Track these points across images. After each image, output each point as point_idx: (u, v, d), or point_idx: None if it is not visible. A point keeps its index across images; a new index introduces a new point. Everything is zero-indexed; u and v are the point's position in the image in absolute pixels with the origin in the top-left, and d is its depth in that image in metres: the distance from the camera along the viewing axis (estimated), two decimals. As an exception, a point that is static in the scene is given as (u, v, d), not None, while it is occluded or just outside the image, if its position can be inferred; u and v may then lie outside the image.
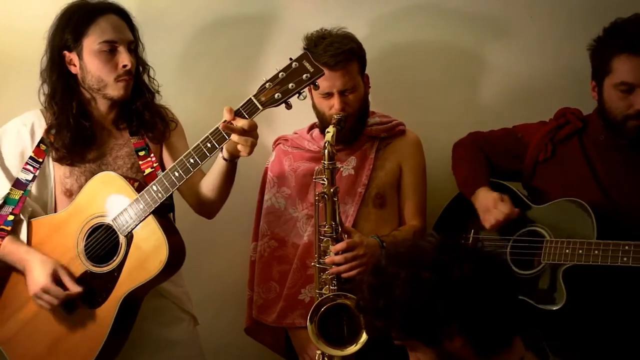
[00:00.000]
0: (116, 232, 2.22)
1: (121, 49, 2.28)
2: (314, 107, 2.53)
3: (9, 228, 2.26)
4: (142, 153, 2.37)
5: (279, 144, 2.67)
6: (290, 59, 2.06)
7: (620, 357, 2.23)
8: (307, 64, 2.05)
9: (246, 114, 2.08)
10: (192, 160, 2.15)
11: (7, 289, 2.31)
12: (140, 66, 2.39)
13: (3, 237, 2.25)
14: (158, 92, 2.45)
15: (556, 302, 2.20)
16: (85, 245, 2.24)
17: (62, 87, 2.31)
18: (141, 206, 2.18)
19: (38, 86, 2.35)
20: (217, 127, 2.10)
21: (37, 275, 2.20)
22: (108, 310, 2.20)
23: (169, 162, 2.39)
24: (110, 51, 2.27)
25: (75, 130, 2.30)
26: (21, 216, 2.29)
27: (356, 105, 2.47)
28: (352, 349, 2.26)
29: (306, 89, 2.09)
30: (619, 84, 2.22)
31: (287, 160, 2.61)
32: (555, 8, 2.82)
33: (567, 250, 2.20)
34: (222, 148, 2.17)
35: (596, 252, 2.15)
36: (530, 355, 1.64)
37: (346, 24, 2.51)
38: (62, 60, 2.30)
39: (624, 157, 2.29)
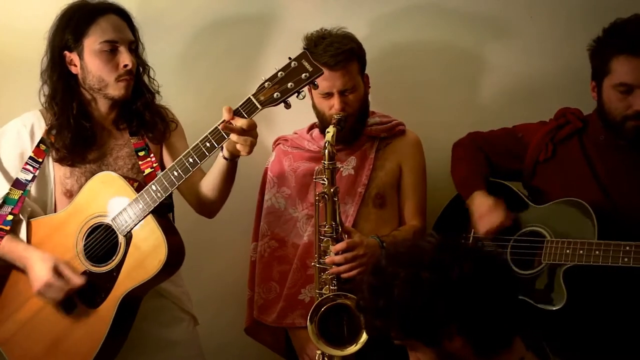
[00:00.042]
0: (115, 232, 2.22)
1: (122, 49, 2.28)
2: (314, 107, 2.53)
3: (8, 228, 2.26)
4: (141, 153, 2.37)
5: (278, 144, 2.67)
6: (289, 58, 2.06)
7: (620, 357, 2.23)
8: (306, 64, 2.05)
9: (245, 114, 2.08)
10: (191, 160, 2.15)
11: (6, 289, 2.31)
12: (140, 66, 2.39)
13: (2, 237, 2.25)
14: (158, 92, 2.45)
15: (556, 303, 2.20)
16: (84, 245, 2.24)
17: (62, 88, 2.31)
18: (140, 206, 2.18)
19: (38, 87, 2.35)
20: (216, 127, 2.10)
21: (39, 271, 2.20)
22: (107, 310, 2.20)
23: (169, 163, 2.38)
24: (111, 51, 2.27)
25: (76, 131, 2.29)
26: (20, 216, 2.28)
27: (356, 105, 2.47)
28: (352, 349, 2.26)
29: (306, 89, 2.09)
30: (618, 85, 2.22)
31: (287, 160, 2.61)
32: (555, 8, 2.82)
33: (567, 251, 2.20)
34: (221, 147, 2.17)
35: (597, 252, 2.15)
36: (530, 356, 1.64)
37: (346, 24, 2.51)
38: (62, 61, 2.30)
39: (624, 157, 2.29)
